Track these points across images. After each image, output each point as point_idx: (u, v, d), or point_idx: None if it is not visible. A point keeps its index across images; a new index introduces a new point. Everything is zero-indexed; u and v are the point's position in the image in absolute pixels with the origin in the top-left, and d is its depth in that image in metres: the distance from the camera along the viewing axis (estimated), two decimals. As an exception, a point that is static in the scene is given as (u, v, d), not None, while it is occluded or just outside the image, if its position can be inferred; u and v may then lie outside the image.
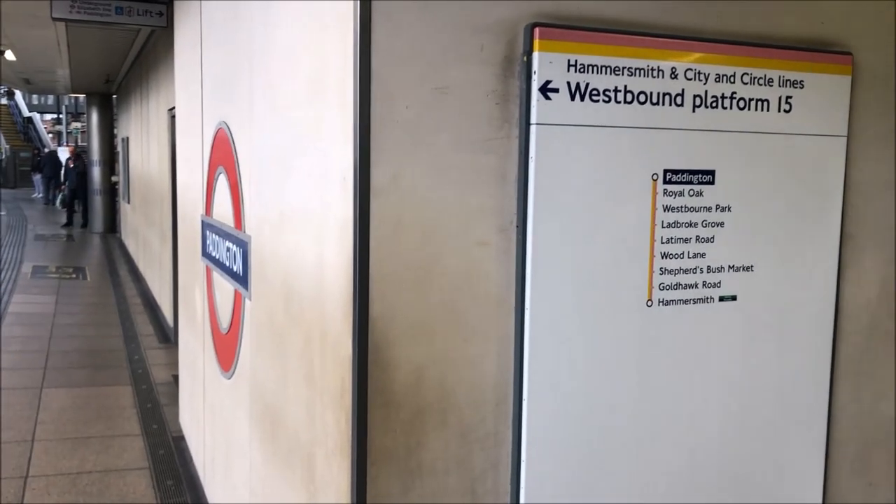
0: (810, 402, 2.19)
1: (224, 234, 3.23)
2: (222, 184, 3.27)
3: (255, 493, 2.79)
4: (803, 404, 2.18)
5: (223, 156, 3.24)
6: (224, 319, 3.30)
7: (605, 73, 1.85)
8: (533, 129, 1.81)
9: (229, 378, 3.21)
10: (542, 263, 1.84)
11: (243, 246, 2.86)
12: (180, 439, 4.87)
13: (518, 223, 1.85)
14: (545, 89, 1.80)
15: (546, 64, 1.79)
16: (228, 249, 3.15)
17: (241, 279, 2.91)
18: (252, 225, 2.77)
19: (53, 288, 9.99)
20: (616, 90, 1.86)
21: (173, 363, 6.54)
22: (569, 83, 1.82)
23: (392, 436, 1.80)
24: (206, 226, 3.69)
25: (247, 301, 2.86)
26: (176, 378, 6.04)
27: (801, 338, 2.15)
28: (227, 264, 3.17)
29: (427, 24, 1.74)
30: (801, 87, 2.07)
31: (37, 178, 24.68)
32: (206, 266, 3.72)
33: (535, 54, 1.79)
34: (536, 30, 1.78)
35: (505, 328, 1.87)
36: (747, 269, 2.06)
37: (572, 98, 1.83)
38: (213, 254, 3.50)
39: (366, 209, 1.73)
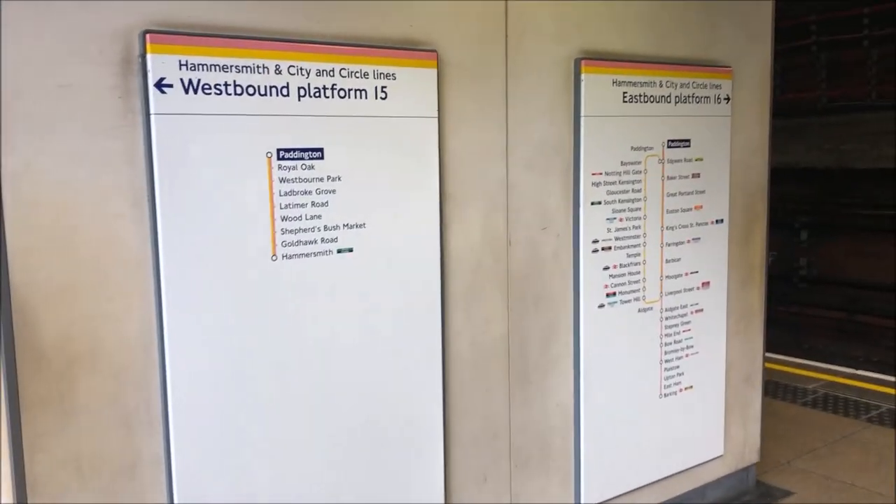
0: (426, 327, 2.75)
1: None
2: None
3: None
4: (420, 328, 2.73)
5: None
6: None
7: (215, 70, 2.25)
8: (153, 118, 2.17)
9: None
10: (171, 230, 2.22)
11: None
12: None
13: (148, 197, 2.21)
14: (160, 85, 2.17)
15: (159, 64, 2.16)
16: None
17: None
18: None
19: None
20: (226, 84, 2.27)
21: None
22: (181, 79, 2.20)
23: (45, 384, 2.11)
24: None
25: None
26: None
27: (412, 277, 2.70)
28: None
29: (47, 31, 2.04)
30: (394, 79, 2.59)
31: None
32: None
33: (149, 56, 2.15)
34: (148, 36, 2.14)
35: (145, 286, 2.23)
36: (360, 226, 2.56)
37: (186, 91, 2.21)
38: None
39: (-1, 193, 2.02)
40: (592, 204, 3.15)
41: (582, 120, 3.08)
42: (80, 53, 2.10)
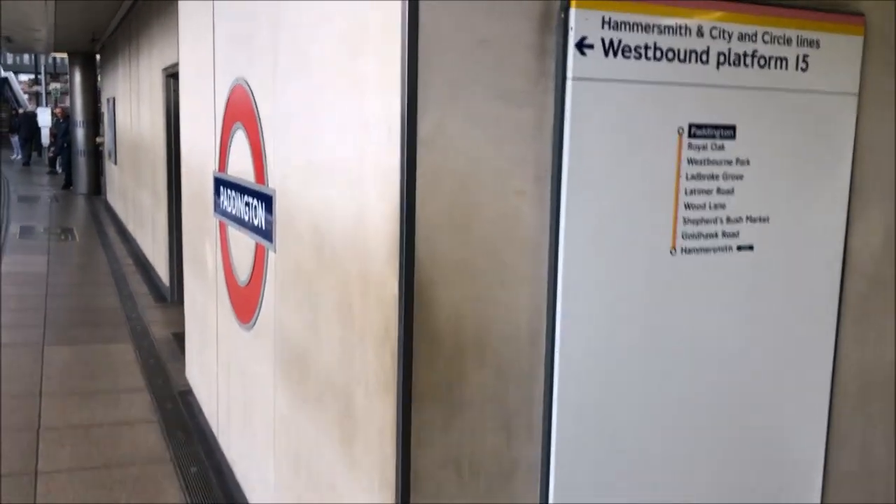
0: (817, 345, 2.33)
1: (242, 189, 3.30)
2: (240, 140, 3.32)
3: (279, 435, 2.90)
4: (810, 346, 2.32)
5: (241, 113, 3.30)
6: (242, 272, 3.38)
7: (637, 30, 1.94)
8: (569, 83, 1.90)
9: (249, 329, 3.30)
10: (575, 211, 1.95)
11: (267, 199, 2.94)
12: (187, 393, 4.96)
13: (553, 173, 1.94)
14: (581, 45, 1.89)
15: (582, 20, 1.88)
16: (248, 204, 3.22)
17: (265, 232, 2.99)
18: (276, 179, 2.85)
19: (43, 248, 9.98)
20: (646, 47, 1.96)
21: (171, 322, 6.62)
22: (603, 39, 1.91)
23: (435, 372, 1.91)
24: (219, 182, 3.75)
25: (271, 253, 2.95)
26: (175, 335, 6.13)
27: (810, 285, 2.28)
28: (247, 219, 3.25)
29: (471, -21, 1.82)
30: (817, 47, 2.17)
31: (14, 139, 24.37)
32: (220, 221, 3.79)
33: (572, 10, 1.87)
34: (574, -13, 1.87)
35: (539, 272, 1.98)
36: (763, 220, 2.18)
37: (606, 54, 1.92)
38: (229, 209, 3.57)
39: (412, 158, 1.82)
40: None
41: None
42: (499, 5, 1.86)
